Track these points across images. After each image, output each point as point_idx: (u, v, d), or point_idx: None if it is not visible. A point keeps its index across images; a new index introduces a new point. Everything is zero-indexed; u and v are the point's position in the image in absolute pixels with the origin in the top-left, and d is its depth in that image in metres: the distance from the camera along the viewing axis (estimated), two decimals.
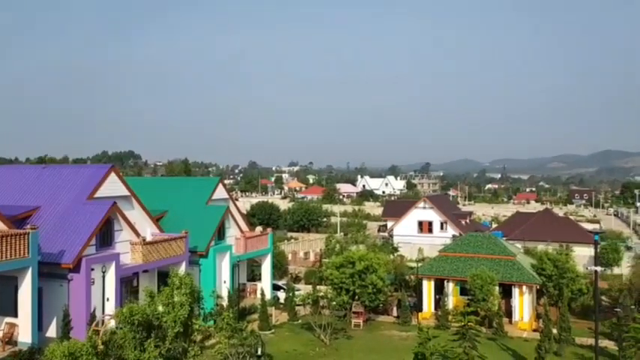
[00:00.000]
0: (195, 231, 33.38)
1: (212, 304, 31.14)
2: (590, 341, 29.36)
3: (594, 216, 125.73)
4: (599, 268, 31.23)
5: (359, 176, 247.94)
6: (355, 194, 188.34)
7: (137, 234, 29.71)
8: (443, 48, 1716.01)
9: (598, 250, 33.41)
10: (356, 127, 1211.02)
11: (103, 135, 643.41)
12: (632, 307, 33.85)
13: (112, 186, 29.85)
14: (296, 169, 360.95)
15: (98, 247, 27.47)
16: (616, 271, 49.37)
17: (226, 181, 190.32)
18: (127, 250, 28.87)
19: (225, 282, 35.59)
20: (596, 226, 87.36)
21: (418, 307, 37.28)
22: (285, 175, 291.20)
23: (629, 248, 62.36)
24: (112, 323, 23.94)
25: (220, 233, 36.55)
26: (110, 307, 26.64)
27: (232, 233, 38.08)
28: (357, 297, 34.60)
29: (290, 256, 57.04)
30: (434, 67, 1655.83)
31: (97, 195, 28.99)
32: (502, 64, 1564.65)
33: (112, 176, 30.08)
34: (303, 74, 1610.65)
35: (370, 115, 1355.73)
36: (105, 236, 28.04)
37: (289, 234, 75.42)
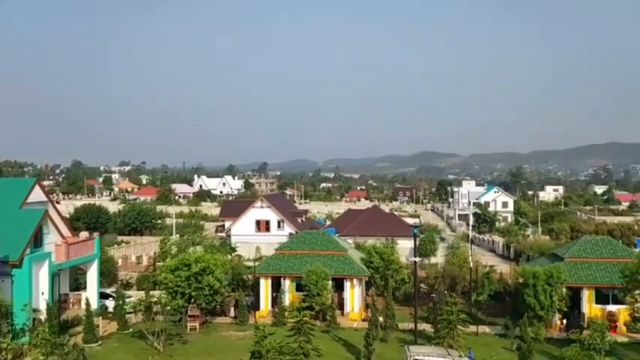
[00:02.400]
0: (7, 238, 29.63)
1: (25, 319, 27.89)
2: (412, 326, 32.14)
3: (415, 211, 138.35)
4: (418, 259, 34.43)
5: (196, 176, 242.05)
6: (192, 194, 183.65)
7: None
8: (273, 49, 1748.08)
9: (417, 242, 36.79)
10: (193, 126, 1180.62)
11: None
12: (445, 292, 37.77)
13: None
14: (127, 168, 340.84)
15: None
16: (433, 260, 54.72)
17: (45, 183, 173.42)
18: None
19: (43, 293, 32.15)
20: (417, 220, 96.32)
21: (256, 305, 37.46)
22: (115, 176, 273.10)
23: (443, 239, 69.55)
24: None
25: (37, 240, 32.87)
26: None
27: (52, 239, 34.50)
28: (193, 300, 33.68)
29: (120, 262, 53.62)
30: (269, 68, 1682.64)
31: None
32: (333, 69, 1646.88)
33: None
34: (131, 68, 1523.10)
35: (207, 113, 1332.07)
36: None
37: (120, 238, 70.83)
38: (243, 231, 68.39)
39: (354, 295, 37.15)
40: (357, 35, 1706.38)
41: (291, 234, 63.45)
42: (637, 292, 28.78)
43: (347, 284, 37.23)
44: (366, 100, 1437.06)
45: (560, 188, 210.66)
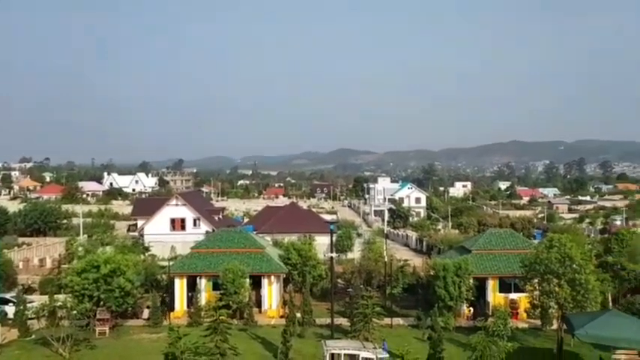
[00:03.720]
0: None
1: None
2: (329, 320, 32.54)
3: (332, 208, 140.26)
4: (334, 255, 34.92)
5: (105, 173, 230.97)
6: (102, 192, 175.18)
7: None
8: (179, 44, 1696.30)
9: (334, 238, 37.32)
10: (103, 121, 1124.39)
11: None
12: (361, 286, 38.58)
13: None
14: (29, 165, 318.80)
15: None
16: (349, 255, 55.64)
17: None
18: None
19: None
20: (334, 216, 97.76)
21: (170, 306, 36.39)
22: (15, 173, 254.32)
23: (359, 235, 71.06)
24: None
25: None
26: None
27: None
28: (102, 303, 32.17)
29: (21, 265, 50.22)
30: (182, 64, 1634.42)
31: None
32: (248, 67, 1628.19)
33: None
34: (29, 60, 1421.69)
35: (117, 108, 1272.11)
36: None
37: (20, 239, 66.20)
38: (157, 230, 66.15)
39: (271, 292, 37.07)
40: (270, 33, 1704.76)
41: (207, 232, 62.28)
42: (535, 280, 30.76)
43: (265, 281, 37.07)
44: (282, 97, 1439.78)
45: (469, 184, 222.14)
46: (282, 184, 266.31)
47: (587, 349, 28.30)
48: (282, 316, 35.10)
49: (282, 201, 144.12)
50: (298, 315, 32.57)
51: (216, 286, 36.08)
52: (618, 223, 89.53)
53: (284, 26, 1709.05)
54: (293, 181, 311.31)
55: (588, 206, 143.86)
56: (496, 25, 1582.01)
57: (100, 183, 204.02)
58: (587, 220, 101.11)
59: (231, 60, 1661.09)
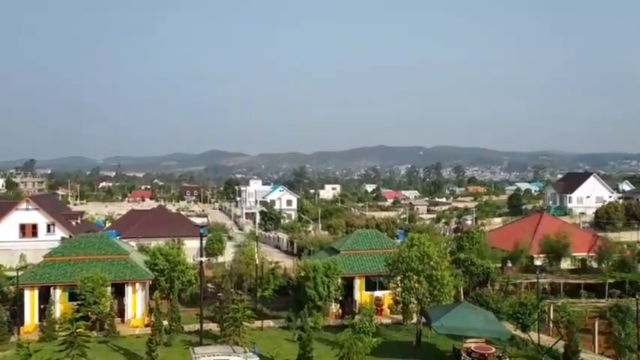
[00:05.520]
0: None
1: None
2: (198, 327, 31.63)
3: (203, 210, 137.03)
4: (204, 259, 34.07)
5: None
6: None
7: None
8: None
9: (204, 241, 36.41)
10: None
11: None
12: (232, 290, 38.07)
13: None
14: None
15: None
16: (220, 259, 54.72)
17: None
18: None
19: None
20: (204, 219, 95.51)
21: (20, 320, 33.01)
22: None
23: (230, 238, 70.17)
24: None
25: None
26: None
27: None
28: None
29: None
30: (32, 59, 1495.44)
31: None
32: (118, 66, 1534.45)
33: None
34: None
35: None
36: None
37: None
38: (3, 237, 60.15)
39: (136, 301, 35.24)
40: (131, 28, 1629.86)
41: (63, 238, 57.75)
42: (398, 278, 32.54)
43: (129, 289, 35.12)
44: (148, 95, 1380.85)
45: (338, 187, 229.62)
46: (149, 187, 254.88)
47: (443, 339, 30.60)
48: (147, 325, 33.44)
49: (148, 204, 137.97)
50: (165, 323, 31.29)
51: (73, 297, 33.50)
52: (469, 222, 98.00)
53: (152, 19, 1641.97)
54: (161, 183, 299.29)
55: (444, 207, 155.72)
56: (363, 26, 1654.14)
57: None
58: (443, 220, 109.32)
59: (92, 54, 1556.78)
